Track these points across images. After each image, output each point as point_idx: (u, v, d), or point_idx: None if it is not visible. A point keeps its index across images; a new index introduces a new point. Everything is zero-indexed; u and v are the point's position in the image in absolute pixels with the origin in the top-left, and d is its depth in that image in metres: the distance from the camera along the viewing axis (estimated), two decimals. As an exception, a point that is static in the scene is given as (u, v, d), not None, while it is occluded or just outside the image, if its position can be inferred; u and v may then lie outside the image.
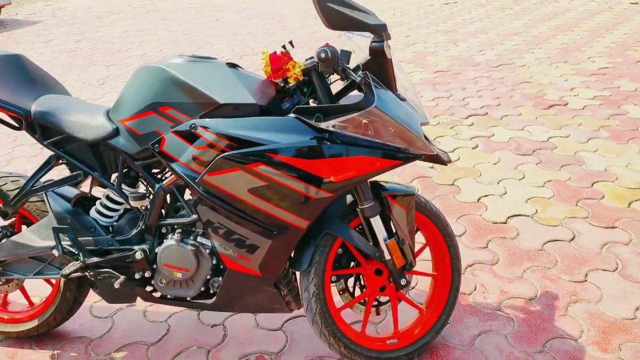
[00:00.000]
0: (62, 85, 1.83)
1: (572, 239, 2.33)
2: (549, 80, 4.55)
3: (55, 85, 1.79)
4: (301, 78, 1.48)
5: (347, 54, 1.51)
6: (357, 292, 1.72)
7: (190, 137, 1.49)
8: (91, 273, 1.66)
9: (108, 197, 1.72)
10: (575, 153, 3.15)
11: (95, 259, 1.65)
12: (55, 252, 1.67)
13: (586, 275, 2.10)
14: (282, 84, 1.58)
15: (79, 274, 1.65)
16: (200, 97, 1.47)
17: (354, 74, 1.36)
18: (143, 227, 1.66)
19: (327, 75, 1.53)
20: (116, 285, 1.63)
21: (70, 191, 1.75)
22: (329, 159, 1.42)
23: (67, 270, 1.60)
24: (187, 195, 1.72)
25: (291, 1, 9.40)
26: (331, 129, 1.41)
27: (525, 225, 2.45)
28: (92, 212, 1.73)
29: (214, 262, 1.63)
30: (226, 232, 1.53)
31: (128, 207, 1.75)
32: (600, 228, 2.40)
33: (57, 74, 5.69)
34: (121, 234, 1.70)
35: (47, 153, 3.64)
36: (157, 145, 1.53)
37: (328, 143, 1.43)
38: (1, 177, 1.73)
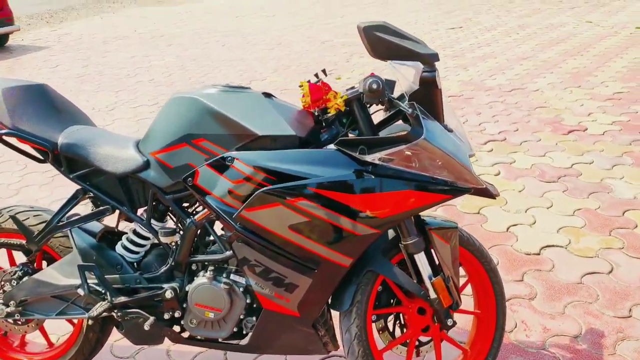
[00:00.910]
0: (87, 116, 1.78)
1: (610, 271, 2.25)
2: (564, 105, 4.53)
3: (81, 116, 1.74)
4: (343, 109, 1.44)
5: (391, 84, 1.47)
6: (397, 331, 1.64)
7: (225, 170, 1.43)
8: (119, 313, 1.58)
9: (135, 232, 1.65)
10: (601, 180, 3.09)
11: (122, 299, 1.57)
12: (80, 292, 1.59)
13: (630, 310, 2.02)
14: (318, 114, 1.54)
15: (105, 314, 1.57)
16: (237, 128, 1.42)
17: (402, 105, 1.31)
18: (173, 263, 1.58)
19: (369, 106, 1.48)
20: (146, 327, 1.55)
21: (95, 226, 1.68)
22: (374, 194, 1.36)
23: (94, 311, 1.52)
24: (218, 229, 1.65)
25: (296, 27, 9.48)
26: (376, 162, 1.36)
27: (559, 256, 2.37)
28: (118, 248, 1.66)
29: (248, 301, 1.55)
30: (263, 270, 1.46)
31: (155, 242, 1.69)
32: (638, 260, 2.32)
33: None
34: (149, 271, 1.63)
35: (60, 183, 3.58)
36: (190, 178, 1.47)
37: (372, 177, 1.37)
38: (23, 212, 1.67)
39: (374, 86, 1.31)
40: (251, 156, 1.42)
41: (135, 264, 1.65)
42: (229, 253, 1.52)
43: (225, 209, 1.44)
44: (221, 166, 1.44)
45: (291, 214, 1.38)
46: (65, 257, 1.64)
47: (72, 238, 1.62)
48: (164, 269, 1.60)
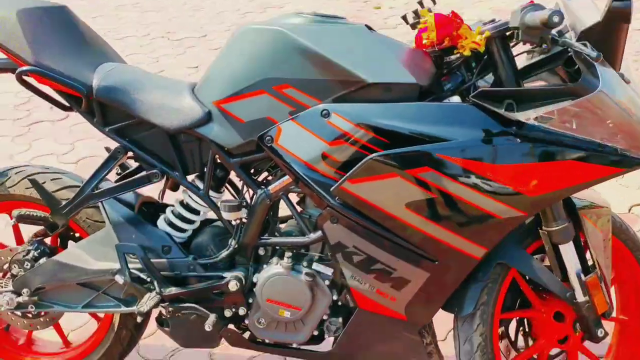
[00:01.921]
0: (114, 49, 1.70)
1: None
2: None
3: (109, 50, 1.65)
4: (482, 49, 1.35)
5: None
6: (520, 340, 1.61)
7: (319, 127, 1.36)
8: (169, 309, 1.53)
9: (184, 205, 1.59)
10: None
11: (173, 290, 1.52)
12: (119, 279, 1.54)
13: None
14: (437, 56, 1.45)
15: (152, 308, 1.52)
16: (337, 73, 1.34)
17: (581, 47, 1.22)
18: (236, 246, 1.53)
19: (512, 46, 1.39)
20: (207, 327, 1.50)
21: (131, 195, 1.62)
22: (523, 165, 1.29)
23: (145, 305, 1.47)
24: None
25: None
26: (531, 121, 1.28)
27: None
28: (161, 224, 1.60)
29: (335, 297, 1.50)
30: (365, 259, 1.40)
31: (208, 218, 1.64)
32: None
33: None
34: (203, 255, 1.57)
35: (84, 134, 3.51)
36: (268, 137, 1.39)
37: (521, 141, 1.30)
38: (38, 174, 1.60)
39: (555, 19, 1.20)
40: (356, 110, 1.34)
41: (183, 245, 1.60)
42: (314, 236, 1.46)
43: (317, 178, 1.37)
44: (313, 122, 1.36)
45: (411, 188, 1.31)
46: (95, 234, 1.58)
47: (105, 210, 1.56)
48: (224, 253, 1.54)
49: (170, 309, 1.53)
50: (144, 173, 1.52)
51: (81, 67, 1.49)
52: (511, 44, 1.39)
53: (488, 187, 1.30)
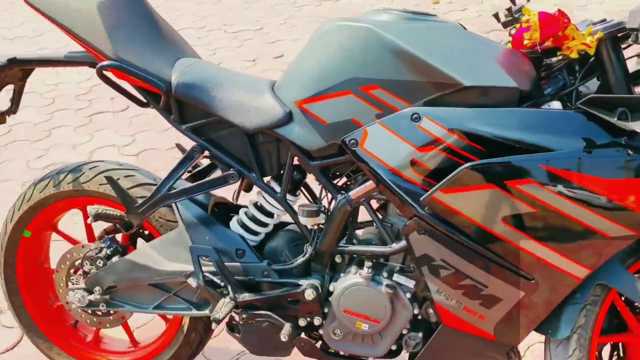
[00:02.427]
0: (188, 44, 1.65)
1: None
2: None
3: (184, 44, 1.61)
4: (593, 51, 1.24)
5: None
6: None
7: (409, 131, 1.28)
8: (243, 315, 1.48)
9: (259, 207, 1.53)
10: None
11: (248, 296, 1.47)
12: (192, 282, 1.50)
13: None
14: (536, 57, 1.35)
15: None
16: (431, 74, 1.25)
17: None
18: (313, 253, 1.47)
19: (624, 48, 1.28)
20: (283, 337, 1.44)
21: (203, 194, 1.57)
22: (638, 180, 1.19)
23: (220, 312, 1.42)
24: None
25: None
26: (648, 133, 1.17)
27: None
28: (234, 226, 1.55)
29: (416, 311, 1.42)
30: (453, 274, 1.32)
31: (282, 222, 1.58)
32: None
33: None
34: (277, 260, 1.52)
35: (101, 124, 3.53)
36: (353, 140, 1.32)
37: (637, 154, 1.19)
38: (112, 170, 1.57)
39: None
40: (449, 114, 1.25)
41: (256, 249, 1.54)
42: (397, 246, 1.38)
43: (404, 185, 1.29)
44: (402, 126, 1.28)
45: (510, 201, 1.21)
46: (168, 234, 1.54)
47: (178, 210, 1.51)
48: (300, 259, 1.48)
49: (244, 315, 1.48)
50: (220, 174, 1.47)
51: (160, 62, 1.44)
52: (622, 46, 1.28)
53: (596, 203, 1.20)
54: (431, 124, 1.26)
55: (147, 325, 2.02)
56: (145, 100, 1.49)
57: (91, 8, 1.41)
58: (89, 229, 1.69)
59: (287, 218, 1.54)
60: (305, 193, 1.58)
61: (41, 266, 1.75)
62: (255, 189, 1.52)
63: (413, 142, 1.27)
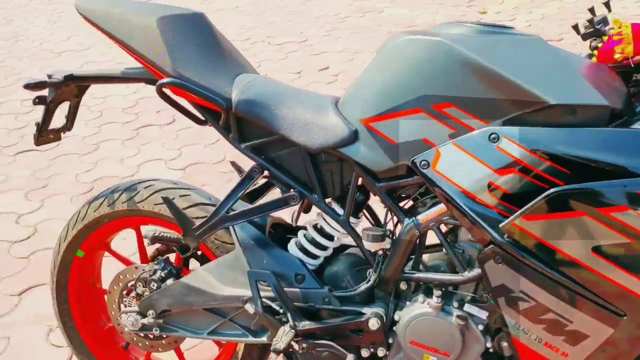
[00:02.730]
0: (247, 60, 1.59)
1: None
2: None
3: (244, 61, 1.55)
4: (694, 66, 1.13)
5: None
6: None
7: (485, 152, 1.18)
8: (303, 345, 1.41)
9: (319, 229, 1.46)
10: None
11: (308, 324, 1.39)
12: (249, 308, 1.43)
13: None
14: (623, 71, 1.25)
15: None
16: (513, 92, 1.16)
17: None
18: (377, 279, 1.38)
19: None
20: (353, 371, 1.37)
21: (261, 216, 1.51)
22: None
23: (281, 342, 1.35)
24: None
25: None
26: None
27: None
28: (292, 249, 1.48)
29: (488, 344, 1.33)
30: (534, 307, 1.22)
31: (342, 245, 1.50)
32: None
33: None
34: (337, 286, 1.44)
35: (147, 137, 3.52)
36: (424, 161, 1.23)
37: None
38: (167, 190, 1.52)
39: None
40: (531, 134, 1.15)
41: (315, 273, 1.47)
42: (469, 274, 1.29)
43: (480, 210, 1.20)
44: (479, 146, 1.19)
45: (601, 229, 1.11)
46: (224, 257, 1.48)
47: (235, 232, 1.45)
48: (363, 286, 1.39)
49: (304, 345, 1.40)
50: (279, 194, 1.40)
51: (220, 79, 1.38)
52: None
53: (703, 234, 1.08)
54: (511, 144, 1.16)
55: (197, 347, 1.97)
56: (202, 118, 1.44)
57: (151, 24, 1.36)
58: (141, 249, 1.63)
59: (347, 241, 1.46)
60: (368, 215, 1.50)
61: (93, 286, 1.71)
62: (315, 209, 1.45)
63: (491, 164, 1.18)
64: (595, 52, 1.27)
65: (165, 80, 1.33)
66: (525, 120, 1.18)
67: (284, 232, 1.56)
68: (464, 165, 1.20)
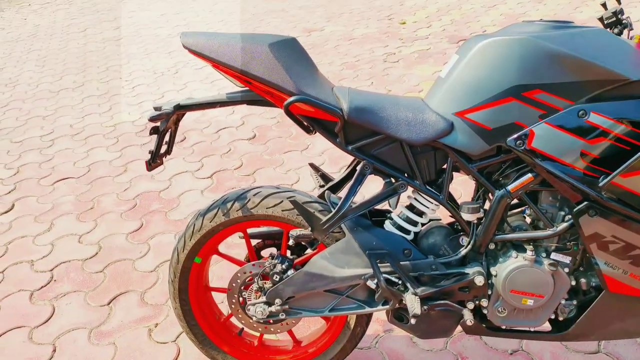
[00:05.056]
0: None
1: None
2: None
3: (323, 75, 1.44)
4: None
5: None
6: None
7: (576, 127, 1.15)
8: (424, 307, 1.34)
9: (412, 209, 1.39)
10: None
11: (427, 289, 1.32)
12: (371, 283, 1.34)
13: None
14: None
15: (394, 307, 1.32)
16: (597, 73, 1.13)
17: None
18: (473, 244, 1.33)
19: None
20: (468, 322, 1.31)
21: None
22: None
23: (416, 309, 1.26)
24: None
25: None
26: None
27: None
28: (389, 228, 1.40)
29: (573, 283, 1.31)
30: (623, 247, 1.20)
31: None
32: None
33: (116, 64, 5.29)
34: (435, 253, 1.37)
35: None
36: (519, 141, 1.19)
37: None
38: (274, 194, 1.39)
39: None
40: (614, 107, 1.13)
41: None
42: (559, 229, 1.26)
43: (577, 175, 1.17)
44: (569, 122, 1.15)
45: (684, 177, 1.11)
46: (336, 244, 1.37)
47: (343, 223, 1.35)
48: (463, 251, 1.34)
49: (425, 307, 1.33)
50: (390, 186, 1.31)
51: (326, 93, 1.27)
52: None
53: None
54: (599, 117, 1.13)
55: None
56: (312, 128, 1.32)
57: (264, 50, 1.22)
58: (250, 249, 1.50)
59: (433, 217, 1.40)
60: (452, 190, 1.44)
61: (206, 286, 1.55)
62: (409, 193, 1.37)
63: (582, 135, 1.15)
64: (636, 37, 1.26)
65: (293, 98, 1.20)
66: (605, 96, 1.15)
67: (371, 216, 1.47)
68: (557, 139, 1.17)
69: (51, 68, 5.41)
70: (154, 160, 1.37)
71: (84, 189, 2.94)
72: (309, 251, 1.50)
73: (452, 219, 1.43)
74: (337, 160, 2.91)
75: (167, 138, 1.46)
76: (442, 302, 1.33)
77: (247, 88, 1.31)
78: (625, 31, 1.80)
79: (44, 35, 6.88)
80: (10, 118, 4.12)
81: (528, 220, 1.37)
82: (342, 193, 1.32)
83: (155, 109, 1.35)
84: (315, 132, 1.32)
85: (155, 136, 1.38)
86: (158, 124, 1.36)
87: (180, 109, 1.34)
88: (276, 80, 1.21)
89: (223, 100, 1.34)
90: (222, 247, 2.27)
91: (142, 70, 5.05)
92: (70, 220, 2.62)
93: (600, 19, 1.38)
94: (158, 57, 5.42)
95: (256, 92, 1.28)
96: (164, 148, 1.43)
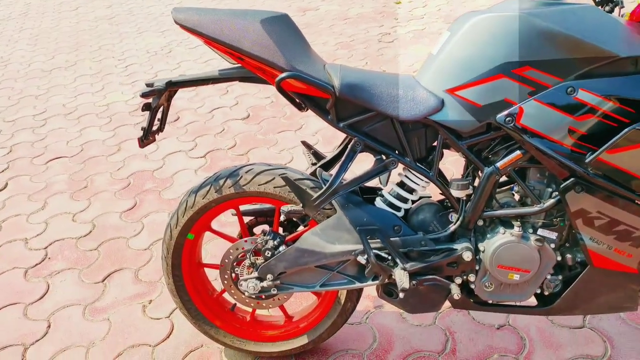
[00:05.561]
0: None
1: None
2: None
3: (316, 53, 1.43)
4: None
5: None
6: None
7: (564, 104, 1.16)
8: (413, 282, 1.36)
9: (403, 186, 1.40)
10: None
11: (416, 265, 1.34)
12: (361, 259, 1.36)
13: None
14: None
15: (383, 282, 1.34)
16: (587, 50, 1.13)
17: None
18: (462, 220, 1.35)
19: None
20: (455, 296, 1.33)
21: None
22: None
23: (404, 283, 1.28)
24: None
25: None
26: None
27: None
28: (380, 205, 1.41)
29: (559, 258, 1.33)
30: (607, 223, 1.22)
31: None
32: None
33: (109, 43, 5.23)
34: (424, 230, 1.39)
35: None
36: (509, 118, 1.20)
37: None
38: (266, 171, 1.39)
39: None
40: (602, 84, 1.14)
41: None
42: (546, 205, 1.28)
43: (564, 151, 1.18)
44: (558, 99, 1.16)
45: (670, 153, 1.12)
46: (327, 221, 1.39)
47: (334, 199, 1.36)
48: (452, 227, 1.36)
49: (414, 281, 1.36)
50: (381, 162, 1.32)
51: (318, 69, 1.27)
52: None
53: None
54: (587, 94, 1.14)
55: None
56: (303, 105, 1.32)
57: (256, 27, 1.22)
58: (242, 225, 1.51)
59: (423, 194, 1.42)
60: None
61: (199, 263, 1.57)
62: (400, 170, 1.38)
63: (570, 112, 1.16)
64: (627, 15, 1.26)
65: (285, 74, 1.20)
66: (595, 73, 1.15)
67: (363, 193, 1.48)
68: (546, 116, 1.17)
69: (43, 47, 5.34)
70: (146, 137, 1.37)
71: (77, 168, 2.93)
72: (300, 228, 1.51)
73: (442, 197, 1.44)
74: (330, 140, 2.91)
75: (159, 115, 1.44)
76: (430, 277, 1.35)
77: (239, 65, 1.30)
78: (617, 9, 1.80)
79: (35, 14, 6.78)
80: (2, 97, 4.08)
81: (516, 197, 1.39)
82: (334, 171, 1.33)
83: (147, 85, 1.34)
84: (307, 109, 1.33)
85: (147, 113, 1.37)
86: (150, 100, 1.36)
87: (172, 86, 1.33)
88: (268, 56, 1.21)
89: (215, 77, 1.33)
90: (215, 226, 2.28)
91: (135, 49, 4.99)
92: (64, 199, 2.62)
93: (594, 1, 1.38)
94: (151, 36, 5.36)
95: (248, 68, 1.27)
96: (156, 125, 1.43)
